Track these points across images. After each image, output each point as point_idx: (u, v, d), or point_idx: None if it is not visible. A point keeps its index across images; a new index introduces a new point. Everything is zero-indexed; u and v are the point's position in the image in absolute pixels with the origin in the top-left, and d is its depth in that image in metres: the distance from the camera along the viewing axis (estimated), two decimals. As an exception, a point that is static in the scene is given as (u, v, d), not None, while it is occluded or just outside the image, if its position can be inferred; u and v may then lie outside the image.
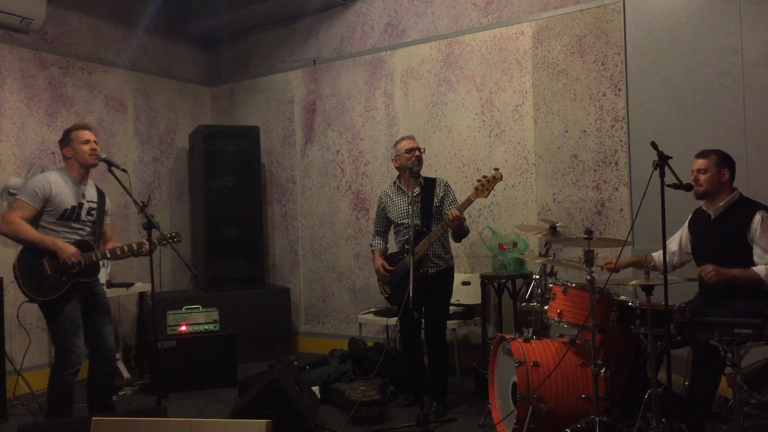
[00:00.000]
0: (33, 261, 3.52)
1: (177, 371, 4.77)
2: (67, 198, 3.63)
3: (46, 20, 5.11)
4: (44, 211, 3.58)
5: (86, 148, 3.68)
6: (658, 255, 3.72)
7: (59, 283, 3.55)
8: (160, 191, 6.27)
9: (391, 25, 5.67)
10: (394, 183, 4.28)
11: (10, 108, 5.00)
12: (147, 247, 3.67)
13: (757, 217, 3.27)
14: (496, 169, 3.76)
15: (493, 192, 3.79)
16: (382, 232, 4.37)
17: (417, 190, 4.12)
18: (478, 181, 3.76)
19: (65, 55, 5.43)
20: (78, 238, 3.69)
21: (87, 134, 3.71)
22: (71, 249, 3.55)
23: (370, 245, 4.42)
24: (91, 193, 3.79)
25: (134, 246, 3.73)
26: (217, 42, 6.77)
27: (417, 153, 4.08)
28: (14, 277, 3.54)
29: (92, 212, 3.77)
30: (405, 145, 4.15)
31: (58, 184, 3.61)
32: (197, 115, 6.65)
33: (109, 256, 3.72)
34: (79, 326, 3.64)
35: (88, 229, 3.75)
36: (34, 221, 3.57)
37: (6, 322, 4.38)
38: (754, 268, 3.21)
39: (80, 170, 3.73)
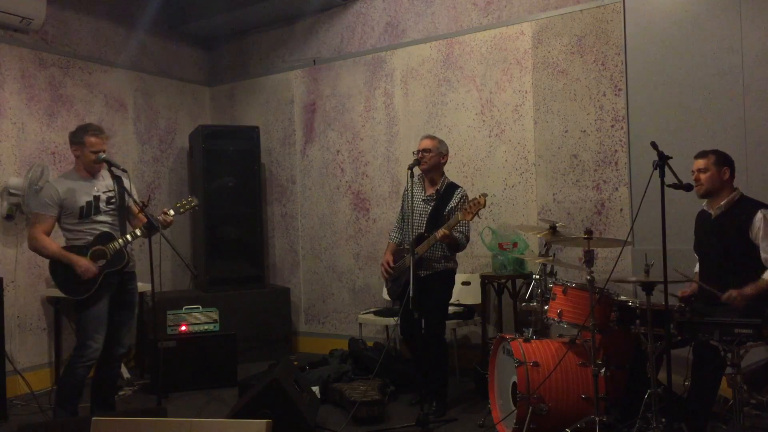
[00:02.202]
0: (61, 264, 3.65)
1: (177, 371, 4.77)
2: (79, 197, 3.69)
3: (46, 20, 5.11)
4: (63, 214, 3.68)
5: (93, 158, 3.74)
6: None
7: (90, 280, 3.63)
8: (160, 191, 6.27)
9: (391, 25, 5.67)
10: (418, 176, 4.28)
11: (10, 108, 5.00)
12: (166, 217, 3.75)
13: (759, 215, 3.27)
14: (483, 195, 3.78)
15: (477, 217, 3.88)
16: (401, 223, 4.37)
17: (434, 194, 4.15)
18: (468, 202, 3.83)
19: (65, 55, 5.43)
20: (106, 228, 3.74)
21: (98, 144, 3.74)
22: (83, 264, 3.61)
23: (389, 235, 4.50)
24: (104, 184, 3.81)
25: (142, 230, 3.74)
26: (217, 42, 6.77)
27: (420, 155, 4.11)
28: (54, 283, 3.73)
29: (112, 201, 3.80)
30: (419, 145, 4.19)
31: (65, 187, 3.70)
32: (197, 115, 6.65)
33: (130, 239, 3.75)
34: (102, 323, 3.71)
35: (111, 218, 3.78)
36: (62, 226, 3.70)
37: (6, 322, 4.38)
38: (764, 276, 3.21)
39: (86, 170, 3.79)
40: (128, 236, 3.74)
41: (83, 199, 3.70)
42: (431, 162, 4.12)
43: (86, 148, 3.72)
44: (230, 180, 5.97)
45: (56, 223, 3.71)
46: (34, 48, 5.19)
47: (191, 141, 6.36)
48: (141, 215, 3.82)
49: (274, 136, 6.40)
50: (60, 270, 3.65)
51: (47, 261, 3.71)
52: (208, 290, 5.76)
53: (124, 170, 3.75)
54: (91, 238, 3.69)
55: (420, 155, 4.10)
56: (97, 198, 3.74)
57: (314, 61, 6.13)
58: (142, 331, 5.55)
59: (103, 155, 3.75)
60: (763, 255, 3.24)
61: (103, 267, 3.67)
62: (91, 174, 3.80)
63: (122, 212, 3.84)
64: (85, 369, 3.67)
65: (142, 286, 5.29)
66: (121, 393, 4.75)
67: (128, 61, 5.97)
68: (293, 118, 6.28)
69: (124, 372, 5.15)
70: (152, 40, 6.24)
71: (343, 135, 5.95)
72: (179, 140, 6.46)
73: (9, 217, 4.86)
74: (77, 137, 3.75)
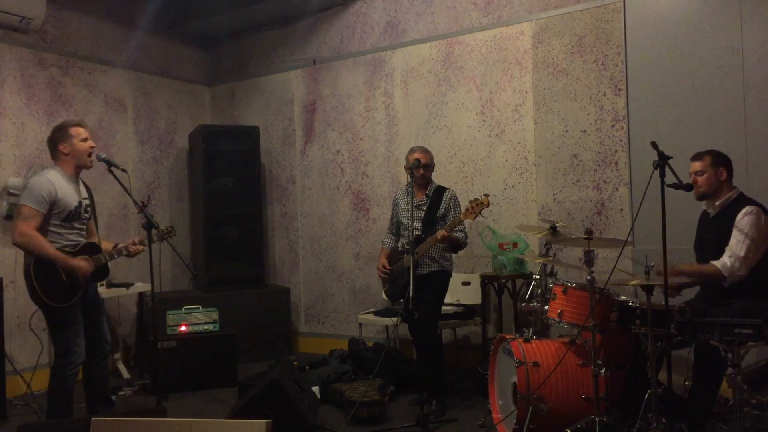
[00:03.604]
0: (48, 269, 3.49)
1: (177, 371, 4.77)
2: (71, 198, 3.58)
3: (46, 20, 5.11)
4: (50, 213, 3.50)
5: (85, 146, 3.62)
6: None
7: (75, 288, 3.55)
8: (160, 191, 6.27)
9: (391, 24, 5.67)
10: (408, 184, 4.30)
11: (10, 108, 5.00)
12: (137, 247, 3.71)
13: (744, 210, 3.27)
14: (486, 195, 3.85)
15: (480, 216, 3.94)
16: (393, 229, 4.47)
17: (424, 199, 4.21)
18: (470, 202, 3.86)
19: (65, 55, 5.43)
20: (81, 239, 3.68)
21: (84, 131, 3.65)
22: (84, 265, 3.54)
23: (382, 241, 4.54)
24: (83, 191, 3.74)
25: (128, 248, 3.73)
26: (217, 42, 6.77)
27: (420, 172, 4.15)
28: (29, 286, 3.49)
29: (88, 209, 3.73)
30: (413, 157, 4.21)
31: (60, 185, 3.54)
32: (197, 115, 6.64)
33: (116, 256, 3.72)
34: (80, 326, 3.62)
35: (86, 225, 3.73)
36: (43, 226, 3.50)
37: (6, 322, 4.37)
38: (714, 261, 3.26)
39: (75, 169, 3.66)
40: (114, 253, 3.68)
41: (73, 202, 3.58)
42: (428, 176, 4.24)
43: (74, 138, 3.59)
44: (230, 180, 5.96)
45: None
46: (33, 48, 5.19)
47: (191, 141, 6.35)
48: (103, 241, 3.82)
49: (274, 136, 6.40)
50: (46, 274, 3.47)
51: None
52: (208, 290, 5.76)
53: (123, 170, 3.71)
54: (65, 242, 3.56)
55: (421, 171, 4.15)
56: (80, 204, 3.64)
57: (314, 61, 6.12)
58: (142, 331, 5.55)
59: (103, 154, 3.73)
60: (729, 244, 3.24)
61: (88, 278, 3.60)
62: (78, 171, 3.67)
63: (90, 225, 3.79)
64: (74, 375, 3.59)
65: (142, 286, 5.32)
66: (120, 393, 4.75)
67: (128, 61, 5.96)
68: (293, 118, 6.28)
69: (124, 372, 5.15)
70: (152, 40, 6.23)
71: (343, 135, 5.95)
72: (179, 140, 6.46)
73: (9, 217, 4.85)
74: (62, 133, 3.60)
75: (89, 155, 3.65)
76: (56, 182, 3.53)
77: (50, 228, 3.53)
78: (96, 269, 3.64)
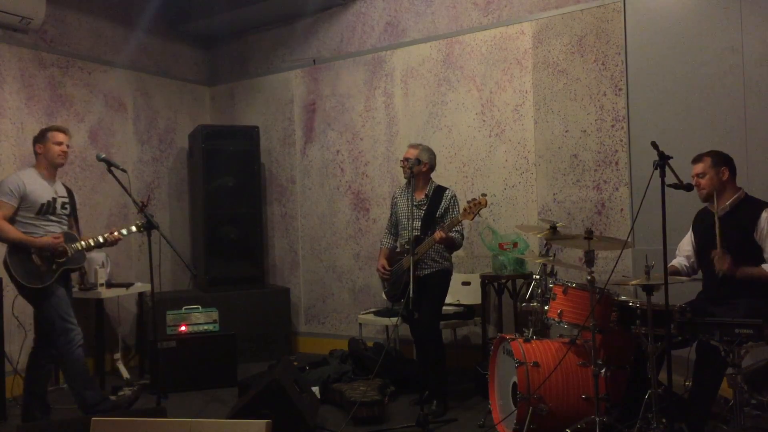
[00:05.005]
0: (22, 254, 3.75)
1: (177, 371, 4.77)
2: (42, 193, 3.84)
3: (45, 20, 5.11)
4: (21, 207, 3.77)
5: (57, 149, 3.90)
6: (677, 262, 3.70)
7: (50, 271, 3.77)
8: (160, 191, 6.26)
9: (391, 24, 5.67)
10: (407, 183, 4.29)
11: (9, 108, 5.00)
12: (113, 235, 3.91)
13: (764, 215, 3.27)
14: (483, 195, 3.85)
15: (479, 216, 3.98)
16: (392, 229, 4.44)
17: (424, 199, 4.20)
18: (468, 202, 3.86)
19: (65, 54, 5.42)
20: (60, 229, 3.90)
21: (61, 136, 3.93)
22: (47, 240, 3.76)
23: (380, 241, 4.53)
24: (60, 190, 3.99)
25: (105, 237, 3.92)
26: (217, 42, 6.77)
27: (404, 163, 4.14)
28: (7, 272, 3.76)
29: (66, 206, 3.97)
30: (405, 153, 4.23)
31: (31, 181, 3.82)
32: (197, 115, 6.64)
33: (93, 244, 3.90)
34: (70, 305, 3.87)
35: (65, 221, 3.97)
36: (14, 217, 3.78)
37: (6, 322, 4.38)
38: (764, 266, 3.22)
39: (49, 168, 3.93)
40: (90, 241, 3.89)
41: (45, 197, 3.84)
42: (414, 171, 4.11)
43: (49, 141, 3.87)
44: (230, 180, 5.96)
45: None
46: (33, 48, 5.19)
47: (191, 141, 6.35)
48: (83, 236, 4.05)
49: (274, 136, 6.39)
50: (19, 259, 3.72)
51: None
52: (208, 290, 5.76)
53: (123, 170, 3.79)
54: (42, 233, 3.81)
55: (402, 163, 4.16)
56: (54, 200, 3.89)
57: (314, 60, 6.12)
58: (142, 332, 5.54)
59: (103, 154, 3.82)
60: (766, 255, 3.23)
61: (62, 263, 3.79)
62: (53, 172, 3.94)
63: (71, 221, 4.04)
64: (80, 349, 3.83)
65: (142, 286, 5.32)
66: (120, 393, 4.75)
67: (128, 61, 5.96)
68: (293, 118, 6.28)
69: (124, 372, 5.15)
70: (152, 40, 6.23)
71: (343, 135, 5.95)
72: (179, 140, 6.46)
73: (9, 217, 4.87)
74: (40, 135, 3.92)
75: (59, 156, 3.91)
76: (27, 178, 3.85)
77: (23, 220, 3.79)
78: (72, 256, 3.84)
